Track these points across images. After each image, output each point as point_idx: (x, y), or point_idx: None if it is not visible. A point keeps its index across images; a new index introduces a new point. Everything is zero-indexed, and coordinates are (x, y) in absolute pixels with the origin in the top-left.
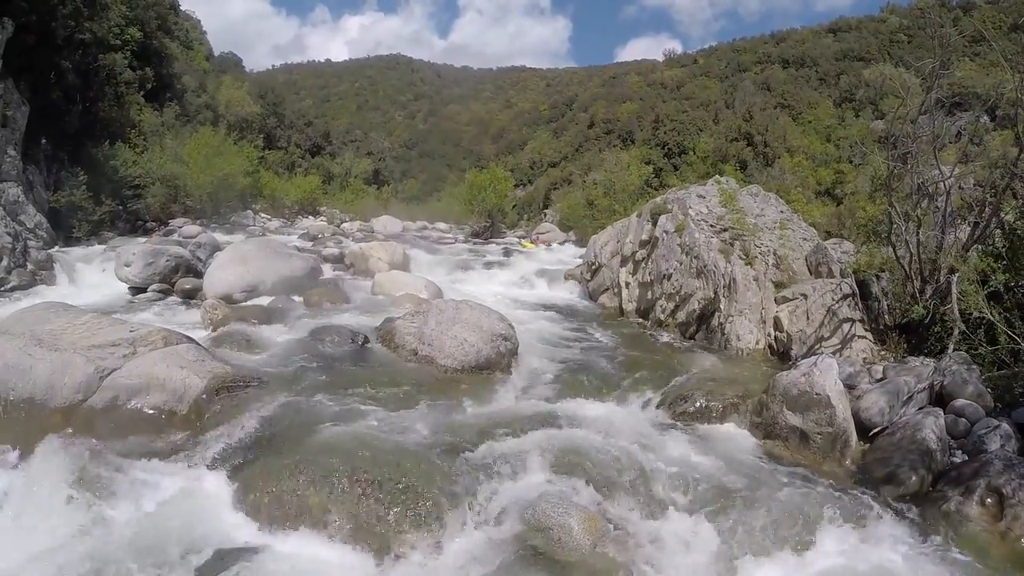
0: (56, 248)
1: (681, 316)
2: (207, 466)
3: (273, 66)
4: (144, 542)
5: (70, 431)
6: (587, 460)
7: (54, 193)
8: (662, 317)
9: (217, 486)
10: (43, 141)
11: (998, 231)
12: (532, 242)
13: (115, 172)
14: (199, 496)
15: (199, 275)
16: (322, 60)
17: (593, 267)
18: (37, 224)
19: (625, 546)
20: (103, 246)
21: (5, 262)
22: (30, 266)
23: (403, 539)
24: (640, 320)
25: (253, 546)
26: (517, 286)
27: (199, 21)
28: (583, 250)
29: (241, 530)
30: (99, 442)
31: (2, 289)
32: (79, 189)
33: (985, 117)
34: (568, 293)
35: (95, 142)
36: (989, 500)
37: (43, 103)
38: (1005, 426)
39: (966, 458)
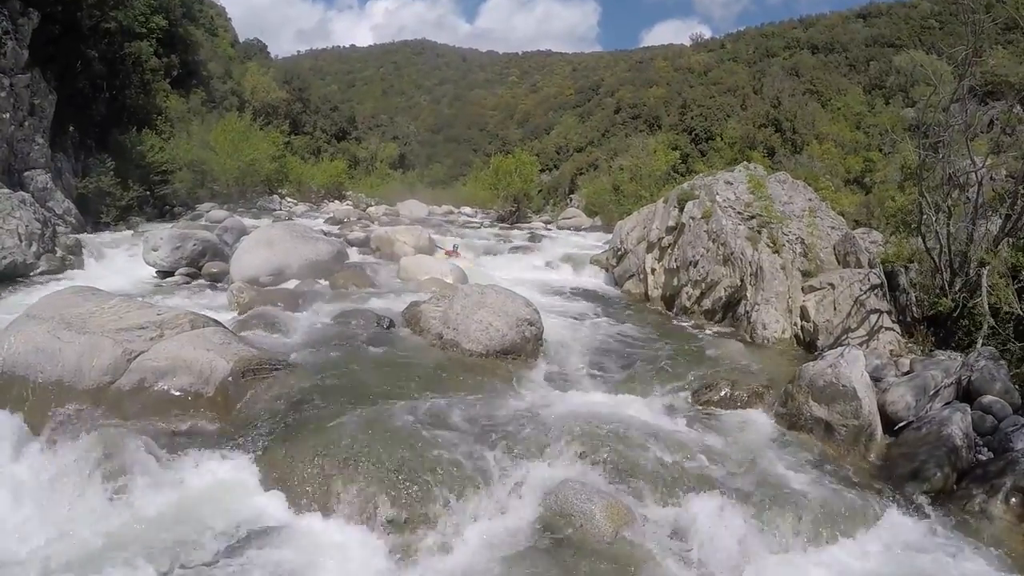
0: (85, 233)
1: (707, 303)
2: (232, 447)
3: (298, 52)
4: (168, 522)
5: (97, 413)
6: (610, 447)
7: (82, 180)
8: (687, 304)
9: (242, 467)
10: (71, 129)
11: None
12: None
13: (142, 158)
14: (223, 477)
15: (226, 259)
16: (347, 45)
17: (619, 253)
18: (65, 210)
19: (646, 534)
20: (131, 231)
21: (34, 247)
22: (59, 251)
23: (425, 522)
24: (665, 307)
25: (277, 527)
26: (542, 271)
27: (224, 8)
28: (609, 235)
29: (265, 511)
30: (126, 423)
31: (32, 274)
32: (107, 175)
33: (1018, 107)
34: (593, 279)
35: (122, 129)
36: (1014, 500)
37: (70, 92)
38: None
39: (992, 456)
